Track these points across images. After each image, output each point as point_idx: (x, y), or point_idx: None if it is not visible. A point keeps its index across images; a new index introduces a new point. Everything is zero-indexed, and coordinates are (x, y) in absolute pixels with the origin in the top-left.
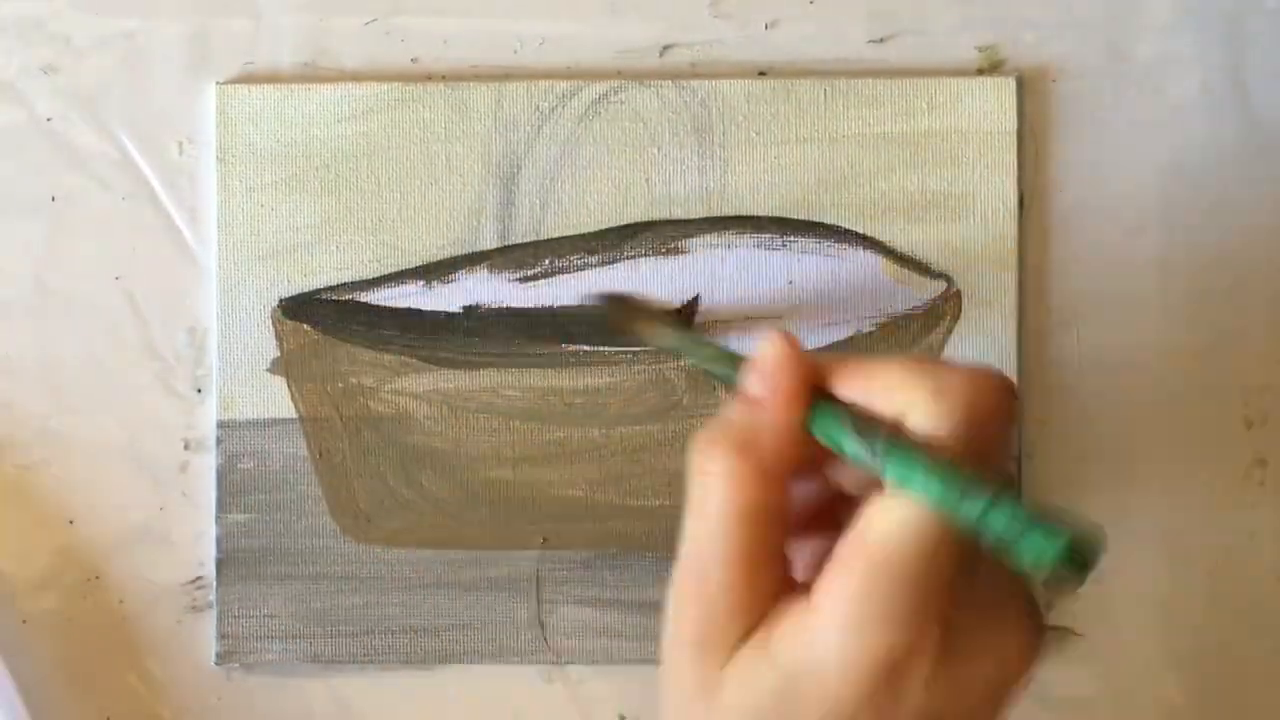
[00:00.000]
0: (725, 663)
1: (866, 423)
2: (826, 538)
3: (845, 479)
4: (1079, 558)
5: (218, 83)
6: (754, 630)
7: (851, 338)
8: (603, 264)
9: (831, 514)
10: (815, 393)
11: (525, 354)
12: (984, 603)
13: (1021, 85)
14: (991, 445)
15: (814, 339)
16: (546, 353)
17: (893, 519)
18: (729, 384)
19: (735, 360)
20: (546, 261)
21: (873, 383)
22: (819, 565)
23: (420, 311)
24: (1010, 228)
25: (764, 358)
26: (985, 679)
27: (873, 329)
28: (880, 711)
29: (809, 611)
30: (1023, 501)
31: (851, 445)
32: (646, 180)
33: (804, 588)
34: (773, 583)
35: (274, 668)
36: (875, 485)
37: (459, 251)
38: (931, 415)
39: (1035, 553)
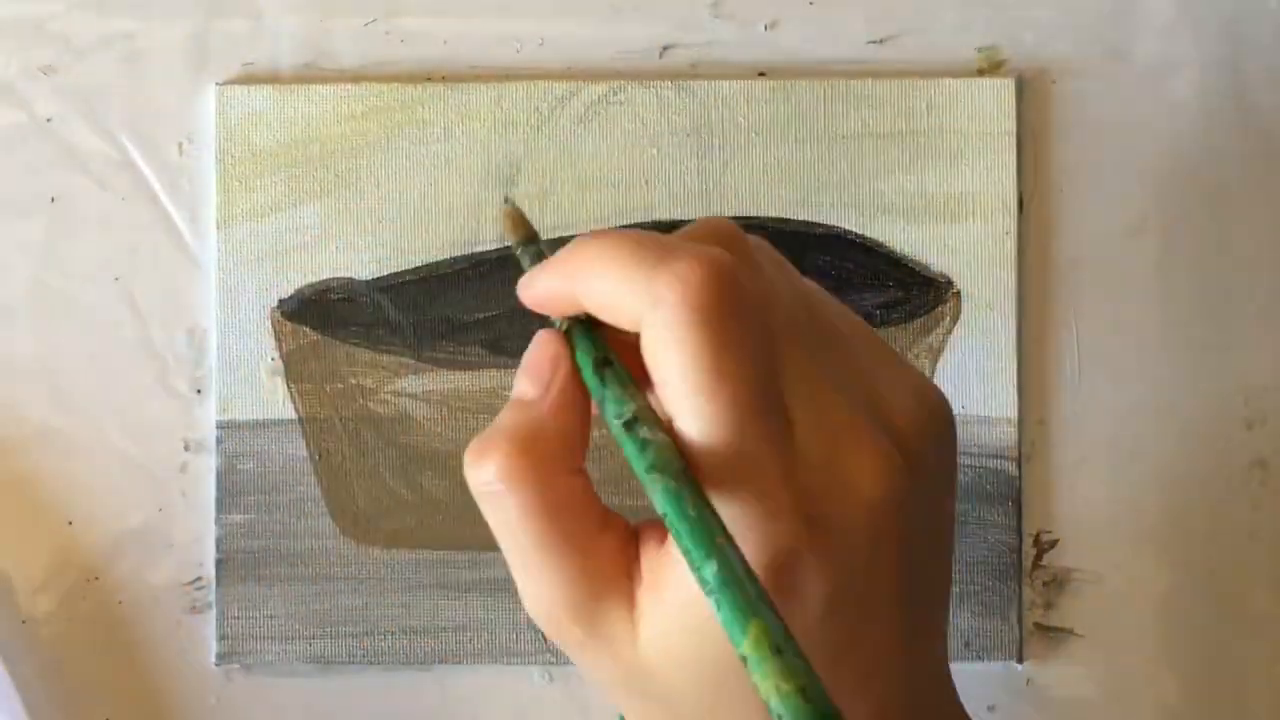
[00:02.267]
0: (632, 636)
1: (650, 416)
2: None
3: None
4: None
5: (217, 83)
6: (636, 588)
7: None
8: None
9: None
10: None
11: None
12: (814, 468)
13: (1021, 86)
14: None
15: None
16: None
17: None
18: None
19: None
20: None
21: (600, 302)
22: None
23: (420, 312)
24: (1010, 228)
25: (531, 354)
26: (860, 530)
27: (873, 330)
28: (793, 614)
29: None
30: (738, 557)
31: (632, 430)
32: (646, 181)
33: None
34: (615, 545)
35: (274, 668)
36: None
37: (459, 252)
38: (656, 336)
39: (732, 612)
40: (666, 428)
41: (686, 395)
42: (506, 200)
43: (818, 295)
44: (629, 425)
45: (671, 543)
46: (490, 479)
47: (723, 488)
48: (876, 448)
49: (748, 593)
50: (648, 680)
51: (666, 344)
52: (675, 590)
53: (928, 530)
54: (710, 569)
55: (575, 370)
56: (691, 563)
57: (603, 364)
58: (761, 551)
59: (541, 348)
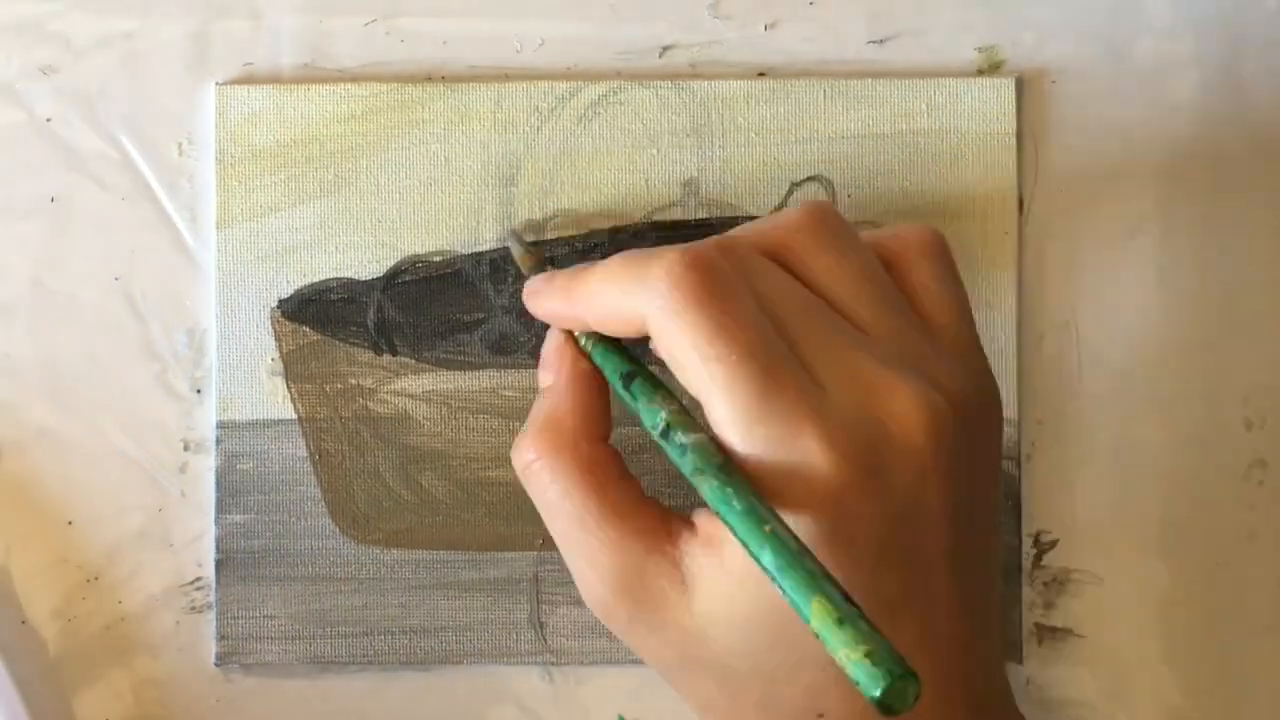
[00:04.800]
0: (683, 593)
1: (683, 418)
2: None
3: None
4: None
5: (217, 83)
6: (686, 555)
7: None
8: None
9: None
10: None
11: (522, 354)
12: (848, 403)
13: (1021, 86)
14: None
15: None
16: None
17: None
18: None
19: None
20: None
21: (609, 315)
22: None
23: (420, 312)
24: (1010, 228)
25: (545, 349)
26: (901, 467)
27: None
28: (843, 564)
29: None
30: (790, 535)
31: (668, 436)
32: (646, 181)
33: None
34: (656, 515)
35: (273, 669)
36: None
37: (459, 252)
38: (661, 330)
39: (795, 594)
40: (703, 422)
41: (703, 370)
42: (513, 234)
43: (853, 276)
44: (665, 434)
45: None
46: (530, 459)
47: (761, 449)
48: (914, 394)
49: (804, 571)
50: (702, 646)
51: (671, 333)
52: (734, 551)
53: (973, 482)
54: (766, 557)
55: (580, 353)
56: (750, 553)
57: (629, 378)
58: (806, 505)
59: (550, 341)
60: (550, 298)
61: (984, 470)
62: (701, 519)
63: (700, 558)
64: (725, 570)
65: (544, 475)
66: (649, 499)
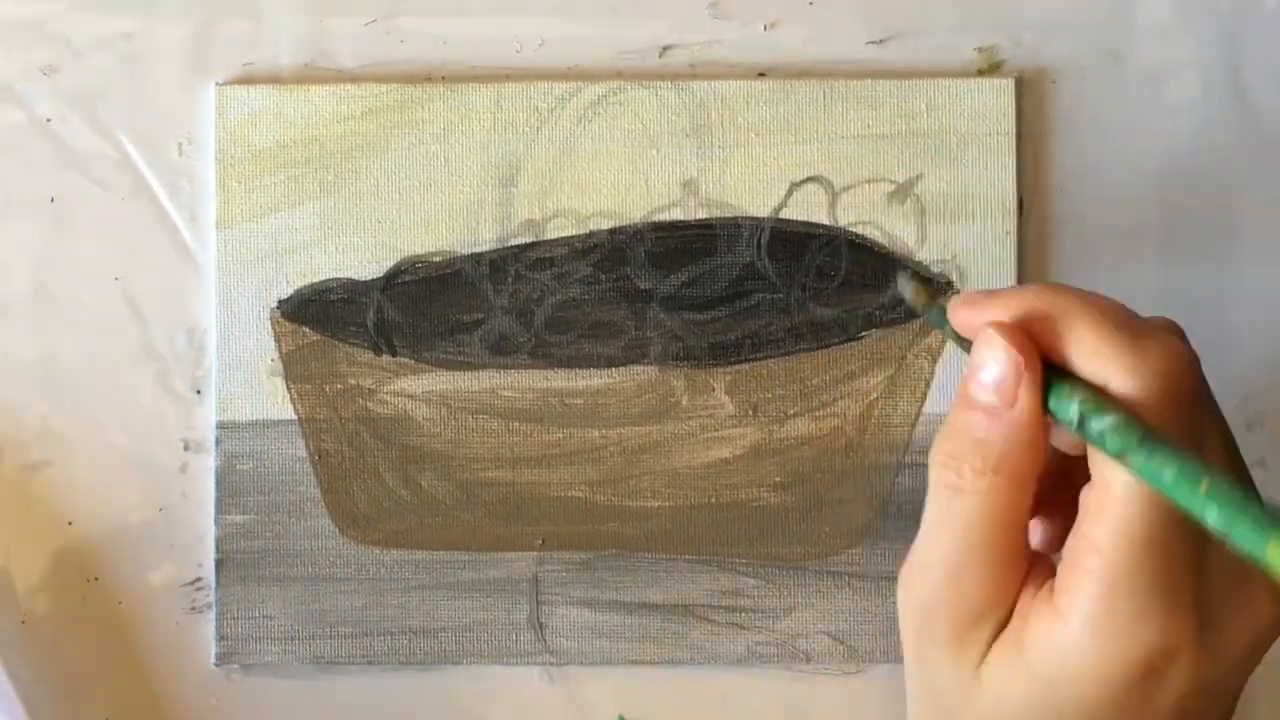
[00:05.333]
0: (980, 663)
1: (1096, 402)
2: (1055, 503)
3: (1059, 440)
4: None
5: (217, 83)
6: (1004, 624)
7: (851, 339)
8: (601, 265)
9: (1056, 474)
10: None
11: (521, 355)
12: (1225, 570)
13: (1020, 86)
14: (1184, 420)
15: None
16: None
17: (1123, 511)
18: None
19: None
20: (546, 262)
21: (1070, 349)
22: (1053, 537)
23: (420, 312)
24: (1010, 228)
25: (994, 370)
26: (1240, 647)
27: (872, 330)
28: (1143, 709)
29: (1056, 617)
30: (1232, 485)
31: (1085, 426)
32: (646, 181)
33: (1041, 567)
34: (1019, 576)
35: (273, 669)
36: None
37: (459, 252)
38: (1128, 388)
39: (1247, 542)
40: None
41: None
42: (903, 269)
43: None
44: (1081, 425)
45: (1049, 588)
46: (968, 482)
47: (1138, 570)
48: None
49: (1250, 518)
50: (964, 710)
51: (1143, 413)
52: (1038, 649)
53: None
54: (1211, 517)
55: (1039, 384)
56: (1194, 518)
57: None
58: (1149, 641)
59: (1006, 362)
60: (1014, 303)
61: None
62: (1021, 599)
63: (1008, 638)
64: (1024, 662)
65: (972, 504)
66: (1026, 551)
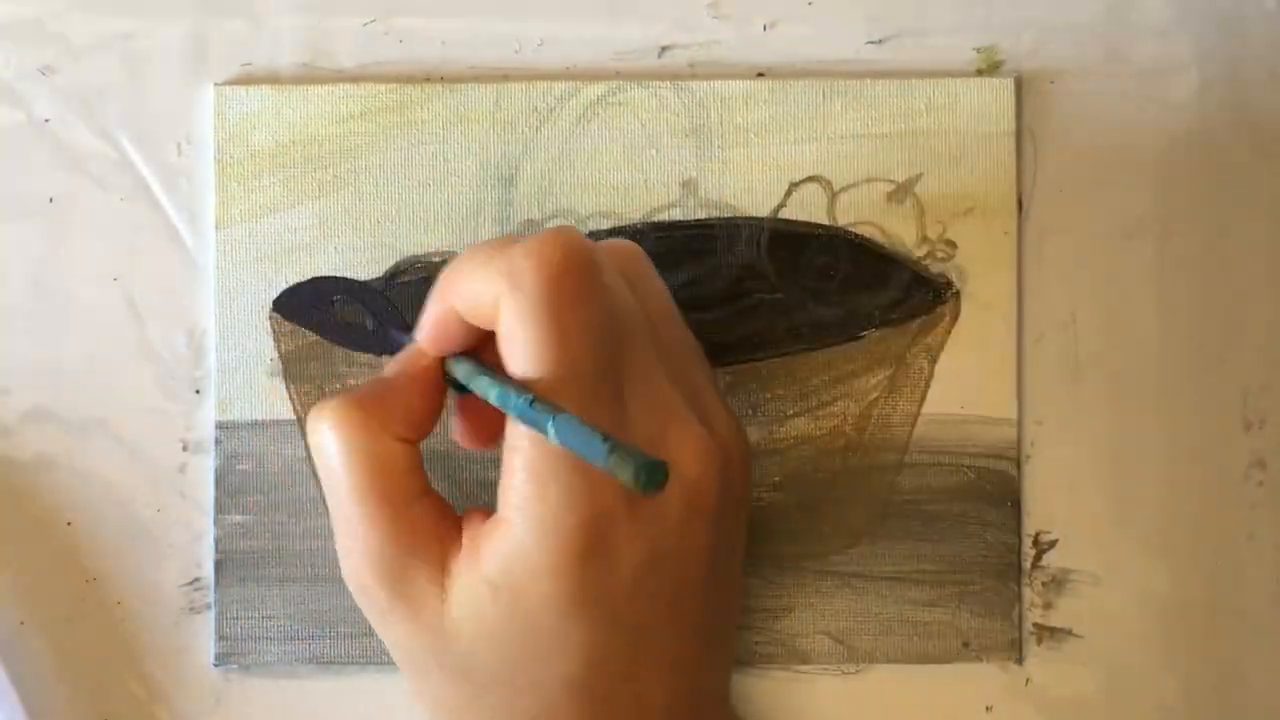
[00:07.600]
0: (443, 601)
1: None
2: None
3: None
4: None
5: (216, 83)
6: (450, 557)
7: (851, 339)
8: None
9: None
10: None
11: None
12: (643, 432)
13: (1020, 86)
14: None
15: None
16: None
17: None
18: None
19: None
20: None
21: (468, 299)
22: None
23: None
24: (1010, 228)
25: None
26: (674, 504)
27: (872, 330)
28: (602, 588)
29: (501, 524)
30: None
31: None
32: (645, 181)
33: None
34: (432, 515)
35: (272, 669)
36: None
37: (459, 252)
38: (512, 312)
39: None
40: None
41: (532, 366)
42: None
43: (669, 312)
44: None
45: (497, 517)
46: (324, 427)
47: (555, 454)
48: (699, 436)
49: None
50: (447, 649)
51: (521, 317)
52: (492, 561)
53: (730, 530)
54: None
55: (435, 363)
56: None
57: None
58: (580, 512)
59: (406, 349)
60: (430, 303)
61: (739, 511)
62: (470, 525)
63: (463, 564)
64: (483, 580)
65: (332, 449)
66: (433, 498)
